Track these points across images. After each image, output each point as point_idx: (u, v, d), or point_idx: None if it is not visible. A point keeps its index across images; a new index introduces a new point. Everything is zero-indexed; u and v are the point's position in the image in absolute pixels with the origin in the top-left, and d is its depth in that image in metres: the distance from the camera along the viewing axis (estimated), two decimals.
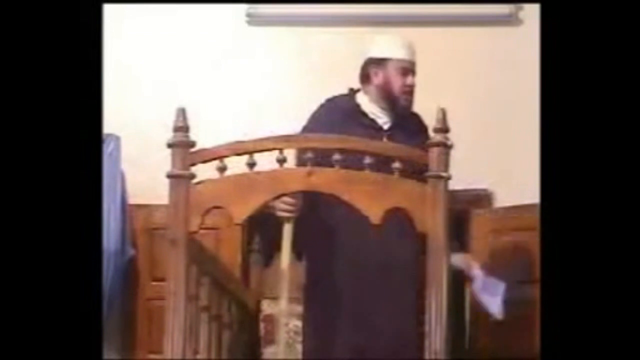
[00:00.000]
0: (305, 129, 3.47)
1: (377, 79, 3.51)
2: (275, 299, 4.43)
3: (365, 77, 3.55)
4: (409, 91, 3.50)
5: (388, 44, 3.53)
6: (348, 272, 3.37)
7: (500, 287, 3.57)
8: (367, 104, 3.53)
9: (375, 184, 2.76)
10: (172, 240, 2.75)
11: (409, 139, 3.27)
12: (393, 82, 3.49)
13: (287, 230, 3.26)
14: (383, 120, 3.51)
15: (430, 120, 2.97)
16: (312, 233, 3.43)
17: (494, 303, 3.56)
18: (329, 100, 3.59)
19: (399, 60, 3.50)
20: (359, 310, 3.35)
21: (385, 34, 3.61)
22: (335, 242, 3.39)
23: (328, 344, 3.36)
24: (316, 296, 3.45)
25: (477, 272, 3.58)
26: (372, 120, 3.51)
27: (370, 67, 3.53)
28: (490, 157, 4.55)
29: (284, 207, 3.22)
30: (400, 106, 3.50)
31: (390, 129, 3.48)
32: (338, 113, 3.50)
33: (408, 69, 3.50)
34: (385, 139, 3.37)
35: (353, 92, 3.59)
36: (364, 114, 3.51)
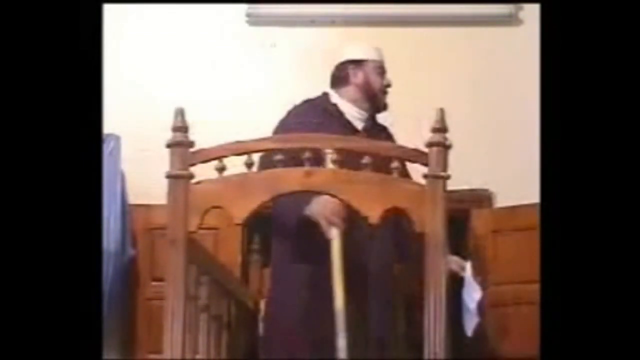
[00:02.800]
0: (280, 129, 3.50)
1: (357, 79, 3.61)
2: None
3: (342, 79, 3.63)
4: (386, 91, 3.62)
5: (362, 48, 3.68)
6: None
7: (477, 293, 3.56)
8: (345, 104, 3.60)
9: (374, 184, 2.76)
10: (172, 240, 2.75)
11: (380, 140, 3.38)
12: (373, 82, 3.60)
13: (335, 246, 3.17)
14: (360, 122, 3.58)
15: (429, 120, 2.97)
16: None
17: (468, 313, 3.56)
18: (305, 101, 3.64)
19: (375, 61, 3.62)
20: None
21: (354, 41, 3.74)
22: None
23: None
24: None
25: (467, 274, 3.58)
26: (349, 122, 3.56)
27: (349, 68, 3.62)
28: (490, 157, 4.56)
29: (332, 221, 3.19)
30: (380, 103, 3.61)
31: (365, 130, 3.56)
32: (315, 113, 3.55)
33: (383, 69, 3.63)
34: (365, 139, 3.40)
35: (325, 94, 3.64)
36: (341, 114, 3.57)
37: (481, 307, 3.60)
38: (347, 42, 3.80)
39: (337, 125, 3.48)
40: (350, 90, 3.60)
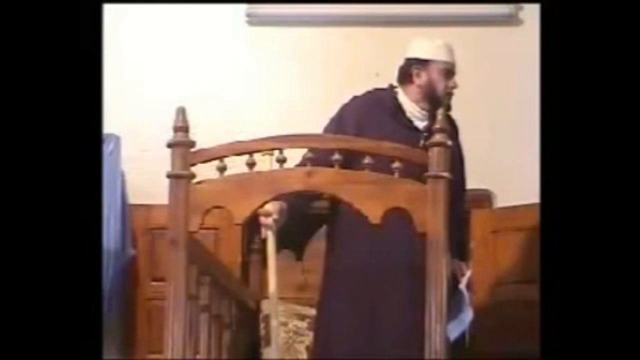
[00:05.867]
0: (336, 120, 3.51)
1: (420, 79, 3.53)
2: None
3: (406, 77, 3.56)
4: (451, 93, 3.54)
5: (430, 46, 3.56)
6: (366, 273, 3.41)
7: (469, 313, 3.55)
8: (408, 102, 3.54)
9: (375, 184, 2.76)
10: (172, 240, 2.75)
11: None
12: (436, 83, 3.52)
13: (270, 238, 3.38)
14: (421, 122, 3.52)
15: None
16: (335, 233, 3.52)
17: (460, 325, 3.54)
18: (371, 92, 3.60)
19: (441, 62, 3.53)
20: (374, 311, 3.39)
21: (424, 35, 3.64)
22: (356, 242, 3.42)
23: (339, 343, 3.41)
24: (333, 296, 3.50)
25: (462, 286, 3.57)
26: (410, 121, 3.52)
27: (412, 67, 3.54)
28: (490, 157, 4.55)
29: (264, 222, 3.34)
30: (442, 106, 3.43)
31: (427, 130, 3.43)
32: (377, 106, 3.52)
33: (450, 70, 3.54)
34: (422, 141, 3.32)
35: (392, 87, 3.59)
36: (404, 113, 3.53)
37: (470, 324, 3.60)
38: (416, 37, 3.66)
39: (397, 124, 3.46)
40: (413, 90, 3.53)
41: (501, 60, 4.72)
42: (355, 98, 3.58)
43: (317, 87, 4.74)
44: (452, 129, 3.47)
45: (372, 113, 3.48)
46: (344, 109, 3.54)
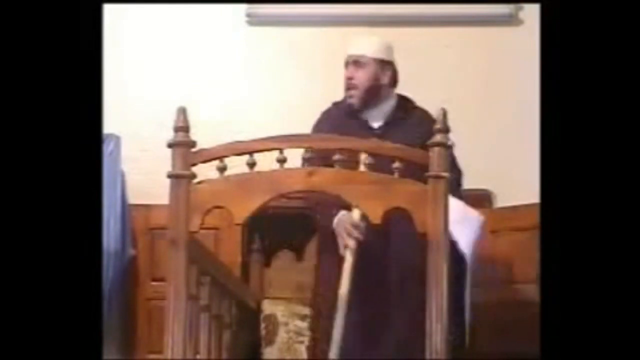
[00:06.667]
0: (313, 128, 3.57)
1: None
2: (275, 298, 4.45)
3: None
4: (351, 85, 3.57)
5: (347, 45, 3.64)
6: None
7: (476, 220, 3.52)
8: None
9: (375, 184, 2.76)
10: (172, 240, 2.75)
11: (402, 136, 3.23)
12: (344, 76, 3.59)
13: (349, 258, 3.31)
14: (375, 121, 3.56)
15: None
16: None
17: (465, 236, 3.49)
18: (335, 103, 3.66)
19: (348, 56, 3.60)
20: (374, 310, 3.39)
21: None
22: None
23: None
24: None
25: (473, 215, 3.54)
26: (365, 120, 3.56)
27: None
28: (490, 157, 4.56)
29: (356, 235, 3.28)
30: (345, 102, 3.58)
31: (380, 128, 3.53)
32: (339, 115, 3.57)
33: (347, 62, 3.58)
34: (374, 139, 3.36)
35: None
36: (356, 114, 3.57)
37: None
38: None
39: (355, 126, 3.48)
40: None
41: (501, 60, 4.72)
42: (328, 108, 3.65)
43: (317, 87, 4.74)
44: (429, 122, 3.49)
45: (338, 119, 3.54)
46: (319, 120, 3.62)
